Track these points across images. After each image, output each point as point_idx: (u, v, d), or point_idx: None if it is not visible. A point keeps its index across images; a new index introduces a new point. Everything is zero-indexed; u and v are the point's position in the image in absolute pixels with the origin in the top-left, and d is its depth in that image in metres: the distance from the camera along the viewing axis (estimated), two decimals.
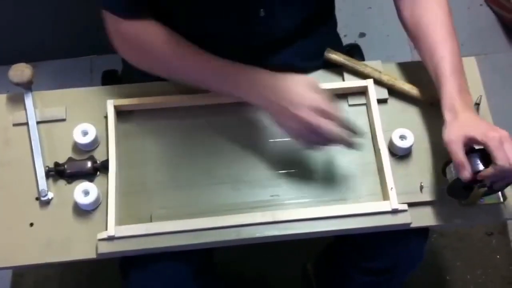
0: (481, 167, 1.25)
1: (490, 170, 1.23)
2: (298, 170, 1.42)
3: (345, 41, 1.77)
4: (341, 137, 1.30)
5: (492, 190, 1.31)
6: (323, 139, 1.30)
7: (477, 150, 1.26)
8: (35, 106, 1.45)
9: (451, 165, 1.29)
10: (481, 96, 1.47)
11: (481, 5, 2.80)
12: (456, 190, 1.32)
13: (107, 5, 1.38)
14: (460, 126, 1.27)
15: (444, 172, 1.33)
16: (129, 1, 1.36)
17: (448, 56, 1.36)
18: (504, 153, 1.22)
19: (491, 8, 2.78)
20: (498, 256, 2.26)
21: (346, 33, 2.69)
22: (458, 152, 1.24)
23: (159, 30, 1.38)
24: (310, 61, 1.55)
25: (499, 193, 1.38)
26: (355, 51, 1.76)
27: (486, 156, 1.24)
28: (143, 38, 1.39)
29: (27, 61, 1.48)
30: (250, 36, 1.45)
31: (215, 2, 1.36)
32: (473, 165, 1.26)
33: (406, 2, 1.47)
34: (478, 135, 1.23)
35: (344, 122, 1.30)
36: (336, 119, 1.29)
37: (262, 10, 1.40)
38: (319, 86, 1.32)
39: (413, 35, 1.46)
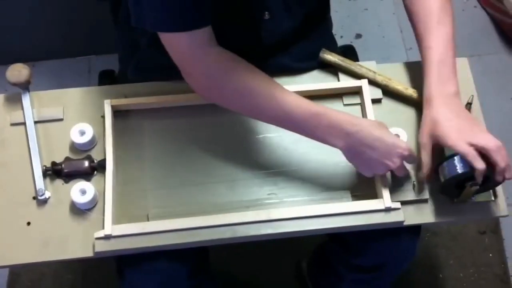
0: (460, 170, 1.28)
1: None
2: (294, 169, 1.43)
3: (341, 42, 1.79)
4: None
5: (483, 188, 1.33)
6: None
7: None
8: (32, 106, 1.46)
9: (444, 164, 1.31)
10: (472, 96, 1.48)
11: (475, 7, 2.80)
12: (449, 188, 1.33)
13: (186, 25, 1.27)
14: (428, 127, 1.32)
15: (436, 171, 1.34)
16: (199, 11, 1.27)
17: (434, 46, 1.37)
18: (463, 142, 1.26)
19: (485, 10, 2.78)
20: (490, 254, 2.27)
21: (342, 34, 2.70)
22: (424, 157, 1.31)
23: (252, 74, 1.35)
24: (306, 62, 1.56)
25: (491, 191, 1.39)
26: (349, 52, 1.77)
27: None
28: (249, 85, 1.34)
29: (24, 61, 1.49)
30: (255, 40, 1.46)
31: (220, 7, 1.36)
32: (451, 168, 1.29)
33: None
34: (440, 138, 1.29)
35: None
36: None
37: (267, 13, 1.41)
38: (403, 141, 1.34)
39: (410, 23, 1.46)
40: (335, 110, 1.33)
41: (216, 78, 1.33)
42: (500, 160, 1.25)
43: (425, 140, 1.32)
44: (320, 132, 1.32)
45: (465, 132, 1.28)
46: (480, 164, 1.24)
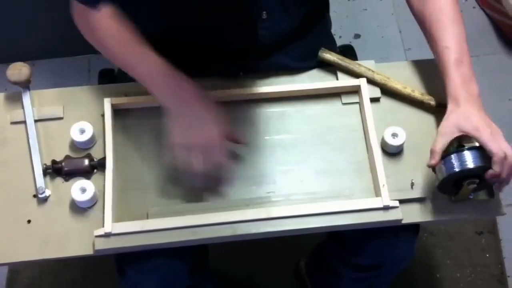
0: (457, 168, 1.28)
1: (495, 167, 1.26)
2: (293, 168, 1.43)
3: (340, 42, 1.79)
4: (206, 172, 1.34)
5: (481, 187, 1.34)
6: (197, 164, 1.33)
7: (472, 148, 1.28)
8: (32, 105, 1.47)
9: (442, 162, 1.31)
10: None
11: (474, 7, 2.81)
12: (446, 186, 1.33)
13: None
14: (456, 119, 1.30)
15: (434, 169, 1.34)
16: None
17: (452, 46, 1.37)
18: (497, 144, 1.25)
19: (483, 11, 2.79)
20: (487, 255, 2.28)
21: (341, 34, 2.70)
22: (439, 143, 1.29)
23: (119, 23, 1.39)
24: (305, 62, 1.56)
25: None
26: (348, 52, 1.77)
27: (480, 155, 1.27)
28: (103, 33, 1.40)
29: (24, 59, 1.49)
30: (253, 40, 1.46)
31: (218, 6, 1.38)
32: (449, 166, 1.29)
33: None
34: (471, 129, 1.27)
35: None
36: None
37: (264, 12, 1.41)
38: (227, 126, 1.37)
39: (419, 22, 1.46)
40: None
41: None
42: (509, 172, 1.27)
43: (449, 130, 1.30)
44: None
45: (497, 139, 1.28)
46: (498, 168, 1.26)
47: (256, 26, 1.44)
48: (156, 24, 1.47)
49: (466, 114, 1.30)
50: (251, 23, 1.43)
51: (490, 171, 1.26)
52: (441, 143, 1.30)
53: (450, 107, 1.33)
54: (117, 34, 1.38)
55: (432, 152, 1.31)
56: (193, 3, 1.38)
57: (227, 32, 1.43)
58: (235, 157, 1.40)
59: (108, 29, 1.38)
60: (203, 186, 1.38)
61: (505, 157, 1.26)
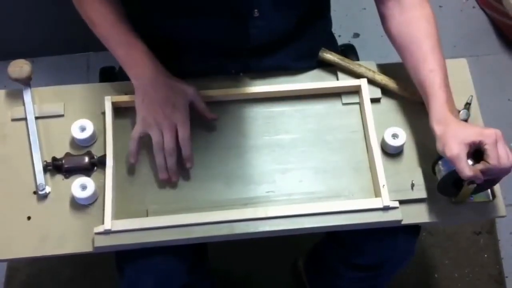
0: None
1: (480, 166, 1.25)
2: (292, 167, 1.43)
3: (339, 41, 1.79)
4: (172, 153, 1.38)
5: (481, 188, 1.34)
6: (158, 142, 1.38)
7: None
8: (33, 102, 1.47)
9: (440, 162, 1.32)
10: (471, 96, 1.48)
11: (474, 7, 2.81)
12: (446, 187, 1.34)
13: None
14: (457, 137, 1.26)
15: (433, 170, 1.35)
16: None
17: (437, 69, 1.36)
18: (496, 152, 1.24)
19: (483, 11, 2.79)
20: (485, 255, 2.28)
21: (340, 33, 2.70)
22: (465, 168, 1.24)
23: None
24: (305, 61, 1.56)
25: (489, 191, 1.40)
26: (349, 51, 1.77)
27: (476, 155, 1.27)
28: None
29: (25, 57, 1.49)
30: (244, 37, 1.46)
31: (209, 2, 1.38)
32: (447, 165, 1.30)
33: (393, 11, 1.47)
34: (474, 136, 1.25)
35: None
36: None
37: (256, 10, 1.41)
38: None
39: (400, 46, 1.45)
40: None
41: None
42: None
43: (457, 150, 1.25)
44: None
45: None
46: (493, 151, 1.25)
47: (248, 24, 1.43)
48: (148, 21, 1.47)
49: (462, 127, 1.29)
50: (241, 20, 1.43)
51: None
52: (465, 164, 1.24)
53: (438, 128, 1.31)
54: (101, 9, 1.44)
55: (473, 177, 1.25)
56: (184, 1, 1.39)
57: (218, 29, 1.43)
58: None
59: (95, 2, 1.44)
60: (165, 164, 1.39)
61: (496, 139, 1.25)
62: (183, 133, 1.38)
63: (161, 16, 1.45)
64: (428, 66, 1.37)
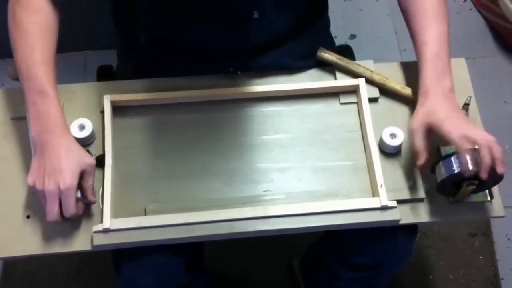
0: (456, 169, 1.29)
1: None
2: (291, 166, 1.44)
3: (336, 42, 1.79)
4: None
5: (480, 188, 1.34)
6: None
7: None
8: None
9: (440, 163, 1.32)
10: (470, 96, 1.49)
11: (470, 9, 2.82)
12: (445, 187, 1.34)
13: None
14: (425, 113, 1.33)
15: (433, 170, 1.35)
16: None
17: (430, 41, 1.39)
18: (460, 131, 1.27)
19: (480, 13, 2.80)
20: (481, 257, 2.29)
21: (337, 34, 2.70)
22: (418, 141, 1.31)
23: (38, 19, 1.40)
24: (303, 61, 1.57)
25: (487, 191, 1.40)
26: (346, 52, 1.77)
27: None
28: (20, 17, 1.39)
29: None
30: (244, 38, 1.46)
31: (208, 4, 1.38)
32: (448, 167, 1.30)
33: None
34: (435, 121, 1.30)
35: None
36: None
37: (255, 12, 1.41)
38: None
39: (404, 17, 1.48)
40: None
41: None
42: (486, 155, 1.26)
43: (417, 126, 1.32)
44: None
45: (461, 126, 1.30)
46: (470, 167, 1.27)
47: (248, 25, 1.43)
48: (147, 22, 1.48)
49: (432, 108, 1.33)
50: (241, 21, 1.43)
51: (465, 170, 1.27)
52: (420, 142, 1.32)
53: (419, 101, 1.36)
54: (24, 28, 1.39)
55: (417, 152, 1.32)
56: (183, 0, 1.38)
57: (218, 30, 1.43)
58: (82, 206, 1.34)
59: (20, 18, 1.39)
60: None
61: (475, 143, 1.27)
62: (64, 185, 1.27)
63: (160, 18, 1.45)
64: (422, 38, 1.40)
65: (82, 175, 1.30)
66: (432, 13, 1.42)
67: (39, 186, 1.26)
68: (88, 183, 1.31)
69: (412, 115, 1.37)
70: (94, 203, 1.34)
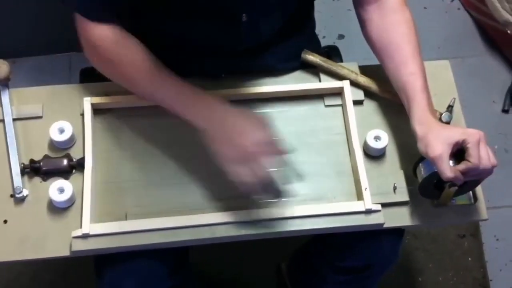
0: (435, 168, 1.27)
1: (461, 166, 1.25)
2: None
3: (324, 42, 1.79)
4: (269, 178, 1.27)
5: (463, 190, 1.34)
6: (255, 174, 1.26)
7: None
8: (11, 103, 1.45)
9: (421, 165, 1.32)
10: (454, 98, 1.48)
11: (458, 9, 2.81)
12: (427, 189, 1.33)
13: (79, 9, 1.36)
14: (440, 137, 1.27)
15: (414, 172, 1.34)
16: (102, 5, 1.34)
17: (418, 73, 1.37)
18: (478, 152, 1.24)
19: (468, 13, 2.79)
20: (469, 258, 2.28)
21: (325, 34, 2.70)
22: (446, 169, 1.24)
23: (136, 49, 1.36)
24: (288, 62, 1.56)
25: (471, 194, 1.40)
26: (333, 53, 1.76)
27: (457, 156, 1.27)
28: (117, 52, 1.36)
29: (4, 57, 1.48)
30: (232, 41, 1.46)
31: (197, 7, 1.36)
32: (427, 167, 1.30)
33: (372, 15, 1.48)
34: (458, 135, 1.26)
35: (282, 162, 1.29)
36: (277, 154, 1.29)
37: (244, 15, 1.40)
38: (267, 124, 1.31)
39: (380, 50, 1.46)
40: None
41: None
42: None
43: (440, 151, 1.25)
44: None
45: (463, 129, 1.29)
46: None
47: (239, 27, 1.42)
48: (139, 23, 1.46)
49: (444, 128, 1.30)
50: (231, 24, 1.42)
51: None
52: (447, 165, 1.25)
53: (420, 129, 1.31)
54: (135, 61, 1.36)
55: (454, 178, 1.26)
56: (173, 3, 1.36)
57: (211, 30, 1.42)
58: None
59: (123, 56, 1.36)
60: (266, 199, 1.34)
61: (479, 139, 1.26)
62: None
63: (152, 18, 1.44)
64: (409, 70, 1.38)
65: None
66: (413, 45, 1.41)
67: (240, 153, 1.27)
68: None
69: (421, 145, 1.30)
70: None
